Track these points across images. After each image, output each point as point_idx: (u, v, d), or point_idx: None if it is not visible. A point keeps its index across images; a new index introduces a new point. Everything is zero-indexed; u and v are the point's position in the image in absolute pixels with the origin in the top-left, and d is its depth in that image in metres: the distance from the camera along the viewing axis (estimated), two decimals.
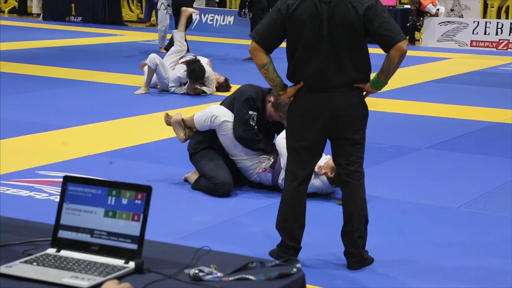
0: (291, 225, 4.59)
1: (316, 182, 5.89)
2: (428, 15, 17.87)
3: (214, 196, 5.94)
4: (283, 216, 4.61)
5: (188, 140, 6.30)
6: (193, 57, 10.46)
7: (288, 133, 4.61)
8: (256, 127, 6.03)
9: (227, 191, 5.93)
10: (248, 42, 4.51)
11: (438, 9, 18.16)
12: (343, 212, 4.61)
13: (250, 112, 6.01)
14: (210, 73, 10.50)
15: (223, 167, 6.02)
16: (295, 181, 4.54)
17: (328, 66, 4.37)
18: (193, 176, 6.22)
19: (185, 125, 6.31)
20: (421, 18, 17.93)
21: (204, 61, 10.45)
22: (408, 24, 17.71)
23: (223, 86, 10.72)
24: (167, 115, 6.43)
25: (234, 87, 10.73)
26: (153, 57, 10.33)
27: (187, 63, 10.33)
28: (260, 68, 4.45)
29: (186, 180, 6.31)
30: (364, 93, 4.51)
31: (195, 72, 10.16)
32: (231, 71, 11.47)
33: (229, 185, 5.93)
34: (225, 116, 6.03)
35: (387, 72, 4.41)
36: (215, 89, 10.58)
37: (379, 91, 4.55)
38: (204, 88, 10.45)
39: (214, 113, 6.06)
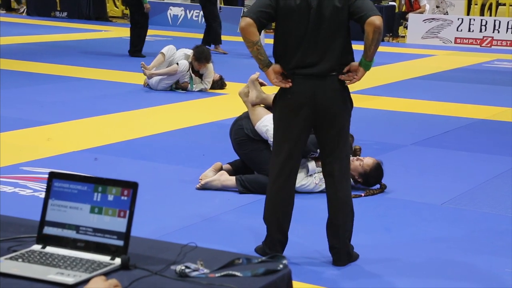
0: (278, 217, 4.58)
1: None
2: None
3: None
4: (270, 207, 4.60)
5: (239, 123, 6.17)
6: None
7: (274, 124, 4.61)
8: None
9: None
10: (235, 38, 4.50)
11: (425, 5, 18.31)
12: (327, 205, 4.61)
13: None
14: (210, 68, 10.48)
15: None
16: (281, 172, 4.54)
17: (314, 54, 4.37)
18: (222, 178, 6.05)
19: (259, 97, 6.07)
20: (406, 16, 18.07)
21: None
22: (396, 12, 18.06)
23: (218, 84, 10.70)
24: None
25: (229, 84, 10.76)
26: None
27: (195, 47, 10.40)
28: (253, 45, 4.36)
29: (204, 186, 6.03)
30: (354, 78, 4.43)
31: (204, 52, 10.23)
32: (221, 68, 11.44)
33: None
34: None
35: (366, 50, 4.34)
36: (209, 87, 10.57)
37: (367, 71, 4.45)
38: (202, 83, 10.46)
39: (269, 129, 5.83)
